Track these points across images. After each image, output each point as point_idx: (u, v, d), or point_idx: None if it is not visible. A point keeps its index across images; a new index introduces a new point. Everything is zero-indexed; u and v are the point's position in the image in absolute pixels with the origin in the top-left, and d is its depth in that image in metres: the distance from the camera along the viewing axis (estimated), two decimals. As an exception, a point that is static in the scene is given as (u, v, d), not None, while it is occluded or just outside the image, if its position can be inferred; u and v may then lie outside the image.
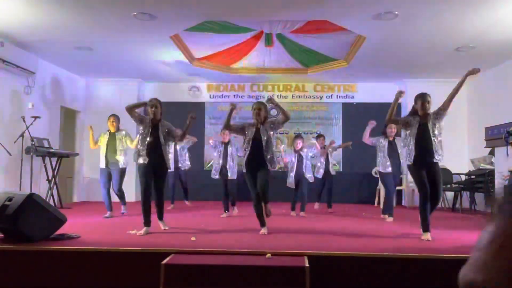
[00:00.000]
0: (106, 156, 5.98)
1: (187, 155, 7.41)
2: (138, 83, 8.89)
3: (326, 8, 5.08)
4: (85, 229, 4.50)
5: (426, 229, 4.17)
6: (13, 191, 4.52)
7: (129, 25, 5.61)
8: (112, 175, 6.02)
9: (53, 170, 7.01)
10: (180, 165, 7.28)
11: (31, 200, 3.77)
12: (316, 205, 7.20)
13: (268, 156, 4.40)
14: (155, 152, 4.56)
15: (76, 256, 3.44)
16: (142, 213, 4.55)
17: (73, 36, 6.10)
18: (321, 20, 5.51)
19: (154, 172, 4.60)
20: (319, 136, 7.18)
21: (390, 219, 5.81)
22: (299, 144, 6.27)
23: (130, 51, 6.84)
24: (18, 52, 6.50)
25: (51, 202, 6.34)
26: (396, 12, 5.11)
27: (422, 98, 4.26)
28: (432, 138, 4.15)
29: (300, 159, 6.24)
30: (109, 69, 8.07)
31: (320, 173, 6.87)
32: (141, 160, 4.56)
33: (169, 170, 4.86)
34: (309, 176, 6.25)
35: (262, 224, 4.53)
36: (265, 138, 4.42)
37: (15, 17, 5.35)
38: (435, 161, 4.17)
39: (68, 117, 8.60)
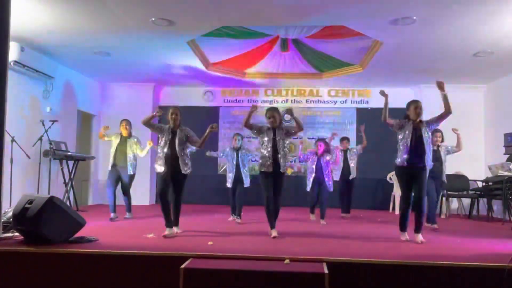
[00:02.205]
0: (115, 159, 6.06)
1: None
2: (153, 88, 8.98)
3: (343, 13, 5.07)
4: (102, 232, 4.54)
5: (403, 228, 4.47)
6: (33, 193, 4.58)
7: (147, 31, 5.67)
8: (121, 178, 6.09)
9: (70, 173, 7.10)
10: None
11: (52, 203, 3.82)
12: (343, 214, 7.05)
13: (282, 159, 4.65)
14: (172, 159, 4.63)
15: (95, 259, 3.47)
16: (163, 216, 4.60)
17: (92, 41, 6.18)
18: (338, 25, 5.50)
19: (172, 178, 4.67)
20: (343, 139, 7.01)
21: (435, 226, 5.54)
22: (321, 147, 6.17)
23: (147, 56, 6.91)
24: (38, 57, 6.63)
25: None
26: (414, 17, 5.08)
27: (414, 103, 4.46)
28: (425, 145, 4.31)
29: (319, 164, 6.16)
30: (125, 74, 8.16)
31: (337, 175, 6.78)
32: (158, 169, 4.70)
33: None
34: (329, 184, 6.17)
35: (272, 226, 4.65)
36: (280, 141, 4.69)
37: (35, 22, 5.44)
38: (422, 165, 4.31)
39: (84, 120, 8.70)
